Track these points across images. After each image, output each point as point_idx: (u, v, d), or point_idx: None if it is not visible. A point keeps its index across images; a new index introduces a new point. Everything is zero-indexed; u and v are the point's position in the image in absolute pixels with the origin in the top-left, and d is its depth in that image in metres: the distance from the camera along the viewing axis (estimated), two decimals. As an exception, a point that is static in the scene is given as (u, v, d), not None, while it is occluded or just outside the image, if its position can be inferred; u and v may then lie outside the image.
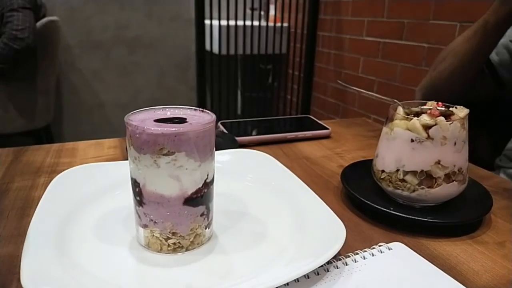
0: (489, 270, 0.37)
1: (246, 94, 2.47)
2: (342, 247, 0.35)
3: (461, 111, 0.44)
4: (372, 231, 0.43)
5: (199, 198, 0.36)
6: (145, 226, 0.36)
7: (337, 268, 0.35)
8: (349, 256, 0.37)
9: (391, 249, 0.38)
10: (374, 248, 0.38)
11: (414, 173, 0.44)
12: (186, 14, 2.48)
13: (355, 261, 0.36)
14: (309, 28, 2.27)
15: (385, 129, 0.47)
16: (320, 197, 0.44)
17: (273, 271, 0.33)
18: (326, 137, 0.73)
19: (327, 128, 0.73)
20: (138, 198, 0.36)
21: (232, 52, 2.24)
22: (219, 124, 0.72)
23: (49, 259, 0.33)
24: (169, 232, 0.36)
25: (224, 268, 0.35)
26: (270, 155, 0.56)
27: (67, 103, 2.39)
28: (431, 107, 0.45)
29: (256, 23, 2.26)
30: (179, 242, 0.36)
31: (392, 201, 0.47)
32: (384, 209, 0.44)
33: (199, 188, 0.35)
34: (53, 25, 1.80)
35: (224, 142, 0.62)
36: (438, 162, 0.43)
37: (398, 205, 0.46)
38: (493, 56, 0.84)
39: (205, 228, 0.38)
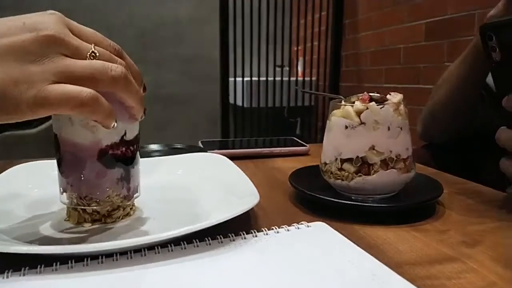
0: (416, 250, 0.34)
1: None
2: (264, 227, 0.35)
3: (395, 97, 0.44)
4: (308, 220, 0.41)
5: (115, 157, 0.36)
6: (64, 191, 0.37)
7: (244, 239, 0.34)
8: (262, 231, 0.36)
9: (310, 226, 0.37)
10: (293, 225, 0.37)
11: (350, 160, 0.43)
12: (214, 73, 2.67)
13: (266, 234, 0.35)
14: (331, 80, 2.34)
15: (327, 122, 0.48)
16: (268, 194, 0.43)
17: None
18: (304, 154, 0.73)
19: (305, 145, 0.73)
20: (58, 155, 0.36)
21: (255, 105, 2.34)
22: (199, 142, 0.75)
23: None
24: (85, 198, 0.36)
25: (140, 231, 0.36)
26: (240, 167, 0.51)
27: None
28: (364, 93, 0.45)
29: (280, 78, 2.36)
30: (97, 212, 0.37)
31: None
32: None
33: (115, 143, 0.36)
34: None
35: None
36: (373, 148, 0.42)
37: (352, 201, 0.43)
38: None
39: (125, 199, 0.38)
